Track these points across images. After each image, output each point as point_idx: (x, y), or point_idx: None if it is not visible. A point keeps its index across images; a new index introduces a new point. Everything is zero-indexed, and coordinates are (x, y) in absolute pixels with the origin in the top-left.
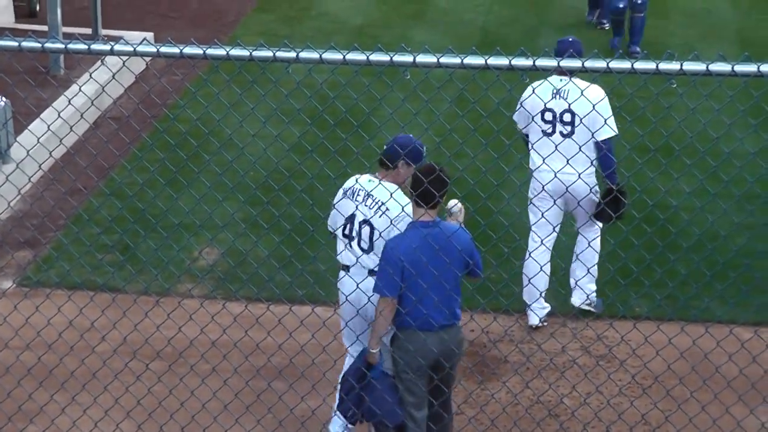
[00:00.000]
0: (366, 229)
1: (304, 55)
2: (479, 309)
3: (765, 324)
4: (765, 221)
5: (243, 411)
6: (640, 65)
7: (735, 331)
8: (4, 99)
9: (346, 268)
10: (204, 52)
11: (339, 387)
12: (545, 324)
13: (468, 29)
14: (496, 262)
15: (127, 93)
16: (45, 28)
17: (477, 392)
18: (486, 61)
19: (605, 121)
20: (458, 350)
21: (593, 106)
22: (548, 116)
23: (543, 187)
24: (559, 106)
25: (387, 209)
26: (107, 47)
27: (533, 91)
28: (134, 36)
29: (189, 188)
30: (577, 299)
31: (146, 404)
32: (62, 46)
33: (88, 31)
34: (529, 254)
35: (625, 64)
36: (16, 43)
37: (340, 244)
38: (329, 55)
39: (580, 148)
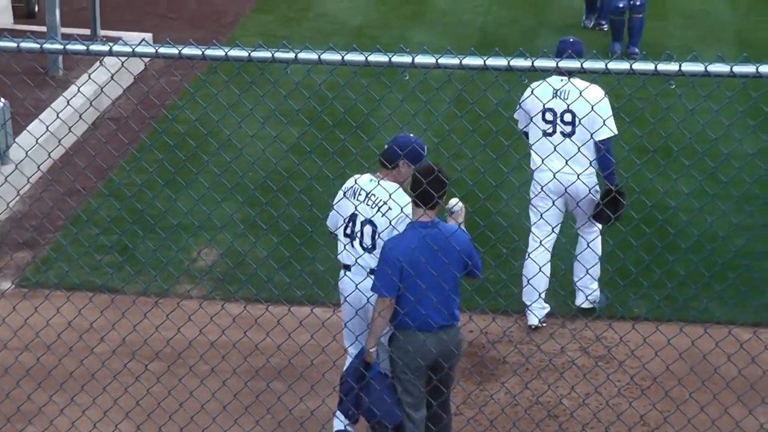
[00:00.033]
0: (368, 229)
1: (302, 55)
2: (478, 310)
3: (764, 325)
4: (763, 222)
5: (242, 412)
6: (638, 66)
7: (734, 331)
8: (2, 100)
9: (347, 268)
10: (203, 52)
11: (339, 387)
12: (544, 325)
13: (466, 30)
14: (494, 262)
15: (126, 94)
16: (44, 28)
17: (476, 393)
18: (485, 61)
19: (604, 122)
20: (457, 351)
21: (592, 107)
22: (549, 116)
23: (542, 188)
24: (559, 106)
25: (389, 208)
26: (106, 48)
27: (532, 92)
28: (133, 37)
29: (188, 189)
30: (579, 299)
31: (145, 405)
32: (61, 46)
33: (87, 31)
34: (528, 255)
35: (624, 65)
36: (14, 44)
37: (341, 244)
38: (328, 56)
39: (579, 149)
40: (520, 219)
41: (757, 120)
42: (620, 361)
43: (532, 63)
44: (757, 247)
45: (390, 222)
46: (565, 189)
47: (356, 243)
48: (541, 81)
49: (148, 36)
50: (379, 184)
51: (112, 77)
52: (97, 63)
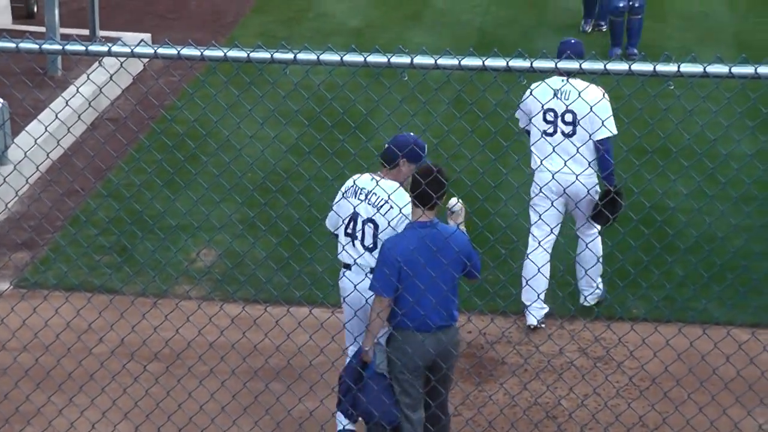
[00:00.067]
0: (370, 228)
1: (301, 56)
2: (477, 310)
3: (762, 325)
4: (762, 223)
5: (241, 412)
6: (637, 67)
7: (732, 332)
8: (1, 100)
9: (348, 267)
10: (202, 53)
11: (337, 387)
12: (543, 325)
13: (465, 30)
14: (493, 263)
15: (125, 94)
16: (42, 29)
17: (474, 394)
18: (483, 62)
19: (603, 122)
20: (455, 351)
21: (591, 108)
22: (550, 116)
23: (541, 189)
24: (560, 106)
25: (390, 207)
26: (105, 48)
27: (531, 92)
28: (132, 37)
29: (186, 189)
30: (581, 299)
31: (144, 406)
32: (60, 47)
33: (86, 32)
34: (527, 255)
35: (623, 66)
36: (13, 44)
37: (341, 244)
38: (327, 57)
39: (578, 149)
40: (519, 220)
41: (755, 121)
42: (619, 362)
43: (531, 64)
44: (755, 248)
45: (388, 223)
46: (564, 189)
47: (357, 242)
48: (540, 82)
49: (147, 36)
50: (378, 183)
51: (111, 78)
52: (96, 63)
